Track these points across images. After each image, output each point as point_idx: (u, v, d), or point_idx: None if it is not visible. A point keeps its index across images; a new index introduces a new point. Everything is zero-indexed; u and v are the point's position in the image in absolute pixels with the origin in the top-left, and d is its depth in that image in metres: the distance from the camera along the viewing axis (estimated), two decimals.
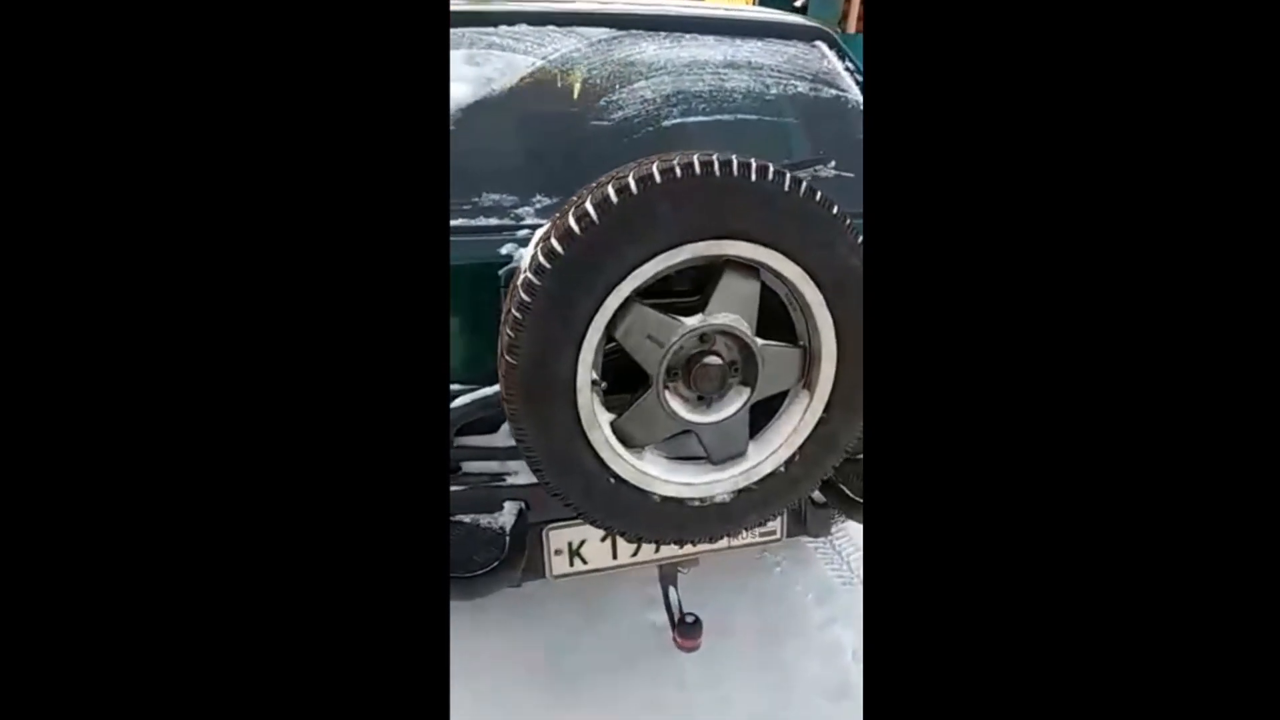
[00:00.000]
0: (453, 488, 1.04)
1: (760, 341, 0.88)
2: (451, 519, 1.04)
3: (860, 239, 0.85)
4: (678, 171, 0.75)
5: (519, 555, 1.01)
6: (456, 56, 1.14)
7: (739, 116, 1.20)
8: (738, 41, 1.28)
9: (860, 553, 1.84)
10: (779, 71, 1.26)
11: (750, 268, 0.84)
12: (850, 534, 1.94)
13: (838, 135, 1.22)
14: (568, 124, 1.15)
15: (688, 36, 1.26)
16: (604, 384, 0.87)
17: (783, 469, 0.95)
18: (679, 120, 1.16)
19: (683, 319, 0.84)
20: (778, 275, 0.84)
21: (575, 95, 1.14)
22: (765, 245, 0.81)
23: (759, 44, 1.29)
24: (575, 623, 1.60)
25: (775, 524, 1.25)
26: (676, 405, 0.88)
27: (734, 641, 1.58)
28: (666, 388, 0.87)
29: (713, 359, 0.86)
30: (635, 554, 1.19)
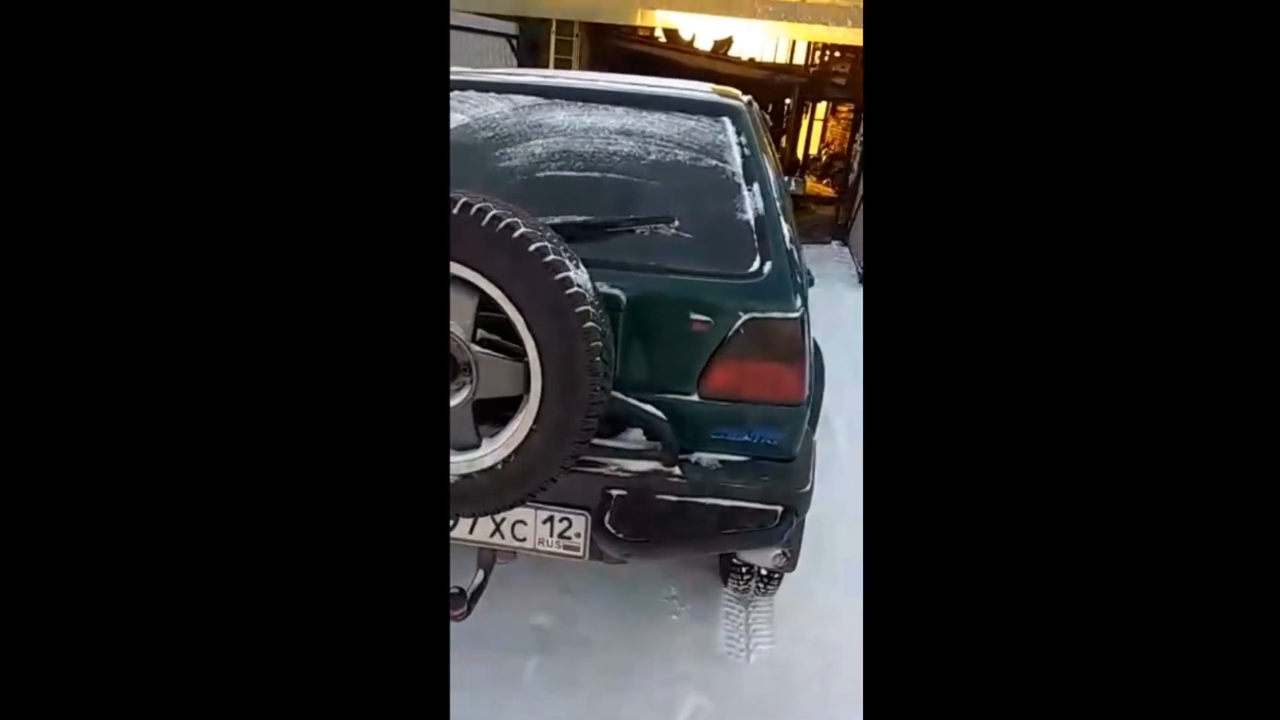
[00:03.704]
0: None
1: (475, 348, 1.05)
2: None
3: (560, 276, 1.00)
4: None
5: None
6: None
7: (606, 174, 1.38)
8: (644, 113, 1.46)
9: (764, 640, 1.77)
10: (666, 140, 1.41)
11: (471, 285, 1.03)
12: (775, 612, 1.86)
13: (698, 200, 1.33)
14: (461, 168, 1.43)
15: (600, 106, 1.48)
16: None
17: (500, 466, 1.10)
18: (550, 173, 1.38)
19: None
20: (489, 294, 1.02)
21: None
22: (469, 267, 1.00)
23: (663, 116, 1.45)
24: None
25: (579, 541, 1.35)
26: None
27: (589, 655, 1.66)
28: None
29: None
30: (470, 532, 1.38)
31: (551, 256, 1.00)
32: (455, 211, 0.98)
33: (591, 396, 1.05)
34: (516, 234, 0.99)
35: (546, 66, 6.81)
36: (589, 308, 1.03)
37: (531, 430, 1.07)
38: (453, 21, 5.83)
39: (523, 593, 1.82)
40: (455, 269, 1.01)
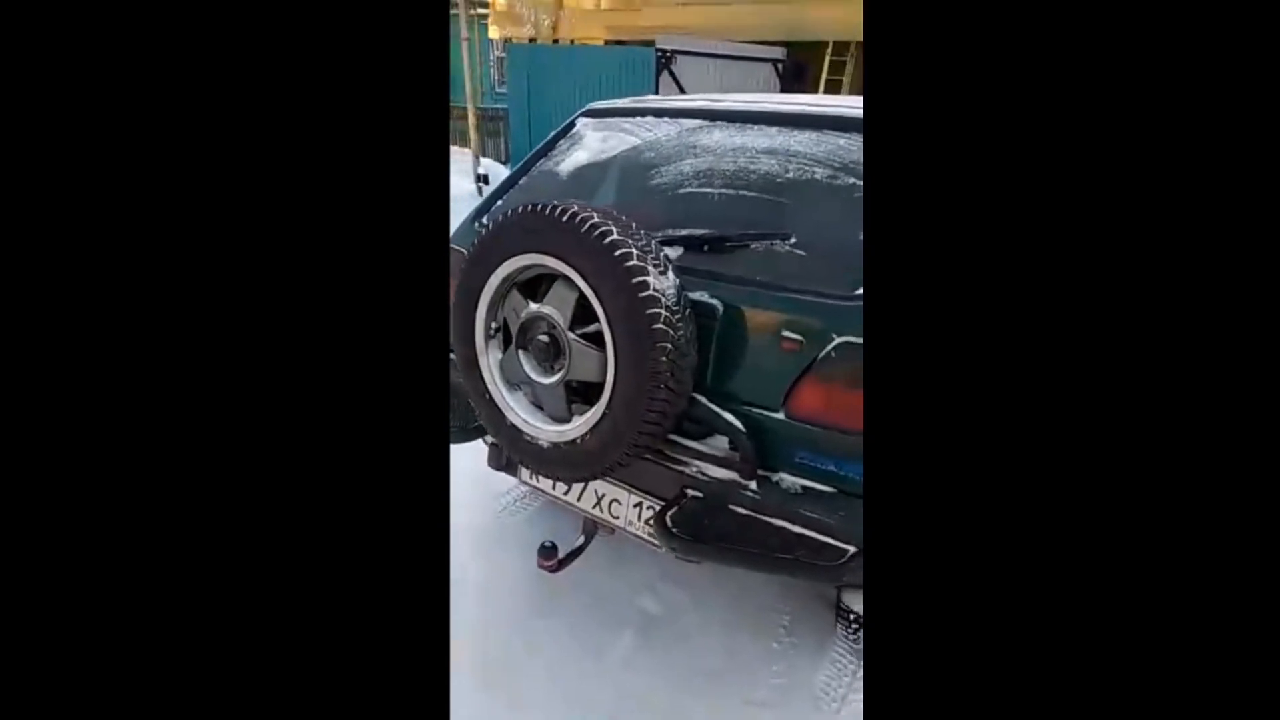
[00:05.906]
0: None
1: (571, 336, 1.22)
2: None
3: (637, 280, 1.11)
4: (520, 210, 1.20)
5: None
6: (596, 135, 1.74)
7: (741, 192, 1.43)
8: (795, 132, 1.48)
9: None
10: (809, 159, 1.41)
11: (571, 281, 1.20)
12: None
13: (823, 218, 1.32)
14: (618, 182, 1.62)
15: (755, 127, 1.54)
16: (497, 332, 1.36)
17: (579, 441, 1.25)
18: (691, 190, 1.49)
19: (530, 303, 1.27)
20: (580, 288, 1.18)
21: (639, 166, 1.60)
22: (568, 265, 1.17)
23: (813, 134, 1.45)
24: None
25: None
26: (525, 363, 1.31)
27: (682, 645, 1.72)
28: (522, 350, 1.31)
29: (542, 337, 1.26)
30: (565, 494, 1.58)
31: (634, 262, 1.12)
32: (563, 219, 1.16)
33: (653, 394, 1.14)
34: (607, 240, 1.13)
35: (813, 89, 6.81)
36: (663, 311, 1.12)
37: (604, 414, 1.20)
38: (720, 51, 6.24)
39: (640, 570, 1.94)
40: (559, 265, 1.20)
